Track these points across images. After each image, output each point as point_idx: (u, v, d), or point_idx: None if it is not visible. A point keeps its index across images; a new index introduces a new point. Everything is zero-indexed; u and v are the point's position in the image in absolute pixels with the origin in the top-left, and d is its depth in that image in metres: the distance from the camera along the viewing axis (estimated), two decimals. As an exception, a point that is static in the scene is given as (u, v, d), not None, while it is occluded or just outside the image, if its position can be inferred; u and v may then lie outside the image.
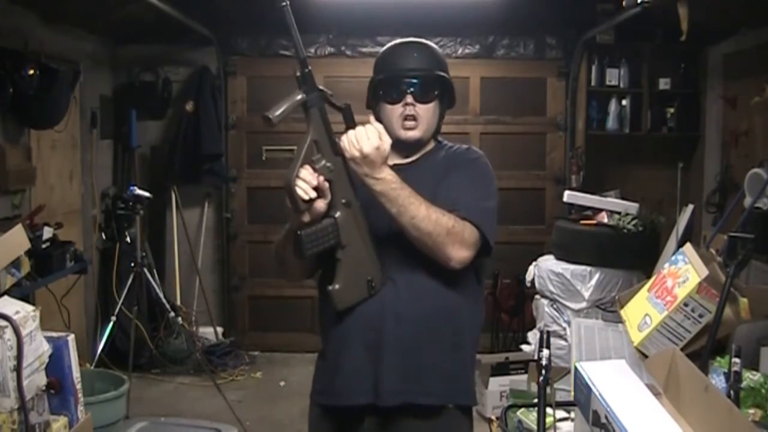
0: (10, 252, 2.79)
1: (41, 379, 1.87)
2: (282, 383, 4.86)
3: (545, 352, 1.95)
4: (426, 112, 1.90)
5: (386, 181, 1.73)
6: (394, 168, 1.78)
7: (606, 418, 1.44)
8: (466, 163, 1.93)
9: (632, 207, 4.47)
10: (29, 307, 1.90)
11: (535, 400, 2.04)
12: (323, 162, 1.72)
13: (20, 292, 3.00)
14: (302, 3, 4.17)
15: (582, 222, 4.49)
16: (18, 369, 1.77)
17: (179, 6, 4.30)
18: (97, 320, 4.94)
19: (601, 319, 3.62)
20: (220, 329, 5.37)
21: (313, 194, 1.70)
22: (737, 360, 1.74)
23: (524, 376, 4.04)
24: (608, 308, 4.14)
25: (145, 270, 4.56)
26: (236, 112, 5.41)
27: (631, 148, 5.35)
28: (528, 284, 4.66)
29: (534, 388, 3.00)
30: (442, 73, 1.92)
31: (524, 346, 4.70)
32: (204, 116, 5.17)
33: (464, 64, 5.23)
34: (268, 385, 4.84)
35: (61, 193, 4.55)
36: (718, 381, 1.86)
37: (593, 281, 4.28)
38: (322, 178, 1.72)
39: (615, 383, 1.54)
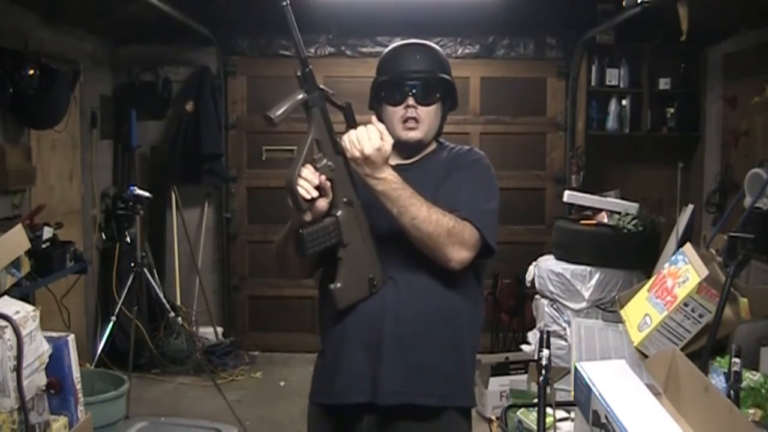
0: (10, 252, 2.79)
1: (41, 379, 1.87)
2: (282, 383, 4.86)
3: (545, 352, 1.96)
4: (427, 114, 1.90)
5: (387, 181, 1.73)
6: (396, 168, 1.78)
7: (606, 418, 1.44)
8: (468, 164, 1.92)
9: (632, 207, 4.47)
10: (29, 307, 1.90)
11: (535, 400, 2.04)
12: (324, 161, 1.72)
13: (20, 292, 3.00)
14: (302, 3, 4.17)
15: (582, 222, 4.49)
16: (18, 369, 1.77)
17: (179, 6, 4.30)
18: (97, 320, 4.94)
19: (601, 319, 3.62)
20: (220, 329, 5.37)
21: (315, 193, 1.70)
22: (737, 360, 1.74)
23: (524, 376, 4.04)
24: (608, 308, 4.14)
25: (145, 270, 4.56)
26: (236, 112, 5.41)
27: (631, 148, 5.35)
28: (528, 284, 4.66)
29: (534, 388, 3.01)
30: (444, 75, 1.92)
31: (524, 346, 4.71)
32: (204, 116, 5.17)
33: (464, 64, 5.22)
34: (268, 385, 4.84)
35: (61, 193, 4.55)
36: (718, 381, 1.86)
37: (593, 281, 4.29)
38: (323, 177, 1.72)
39: (615, 383, 1.54)
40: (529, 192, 5.40)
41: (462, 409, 1.90)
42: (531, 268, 4.60)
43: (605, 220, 4.41)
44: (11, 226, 2.88)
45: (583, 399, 1.57)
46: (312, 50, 5.26)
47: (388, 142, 1.74)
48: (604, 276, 4.28)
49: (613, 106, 5.25)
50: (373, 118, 1.82)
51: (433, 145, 1.98)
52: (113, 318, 4.43)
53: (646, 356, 2.01)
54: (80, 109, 4.77)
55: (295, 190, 1.67)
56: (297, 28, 1.69)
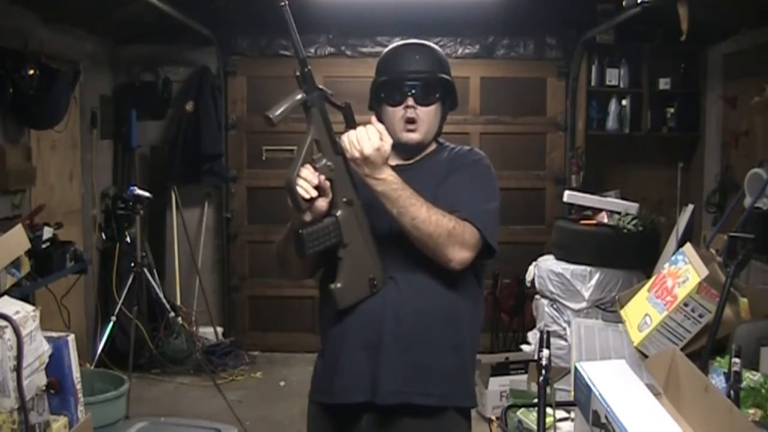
0: (10, 252, 2.79)
1: (41, 379, 1.87)
2: (282, 383, 4.86)
3: (545, 352, 1.96)
4: (427, 114, 1.90)
5: (387, 181, 1.73)
6: (396, 169, 1.78)
7: (606, 418, 1.44)
8: (468, 164, 1.92)
9: (632, 207, 4.47)
10: (29, 307, 1.90)
11: (535, 400, 2.04)
12: (324, 161, 1.72)
13: (20, 292, 3.00)
14: (302, 3, 4.18)
15: (582, 222, 4.49)
16: (18, 369, 1.77)
17: (179, 6, 4.30)
18: (97, 320, 4.94)
19: (601, 319, 3.62)
20: (220, 329, 5.37)
21: (314, 193, 1.70)
22: (737, 360, 1.74)
23: (524, 376, 4.04)
24: (608, 308, 4.14)
25: (145, 270, 4.55)
26: (236, 112, 5.41)
27: (631, 148, 5.35)
28: (528, 284, 4.66)
29: (534, 388, 3.01)
30: (444, 75, 1.92)
31: (524, 346, 4.71)
32: (204, 116, 5.17)
33: (464, 64, 5.22)
34: (268, 385, 4.84)
35: (61, 193, 4.55)
36: (718, 381, 1.86)
37: (593, 281, 4.28)
38: (323, 177, 1.72)
39: (615, 383, 1.53)
40: (529, 192, 5.40)
41: (462, 409, 1.90)
42: (531, 268, 4.60)
43: (605, 220, 4.41)
44: (11, 226, 2.88)
45: (583, 399, 1.57)
46: (312, 50, 5.26)
47: (388, 143, 1.74)
48: (604, 276, 4.28)
49: (613, 106, 5.25)
50: (373, 119, 1.82)
51: (433, 146, 1.98)
52: (113, 318, 4.43)
53: (646, 356, 2.01)
54: (80, 109, 4.77)
55: (294, 190, 1.67)
56: (295, 29, 1.69)
